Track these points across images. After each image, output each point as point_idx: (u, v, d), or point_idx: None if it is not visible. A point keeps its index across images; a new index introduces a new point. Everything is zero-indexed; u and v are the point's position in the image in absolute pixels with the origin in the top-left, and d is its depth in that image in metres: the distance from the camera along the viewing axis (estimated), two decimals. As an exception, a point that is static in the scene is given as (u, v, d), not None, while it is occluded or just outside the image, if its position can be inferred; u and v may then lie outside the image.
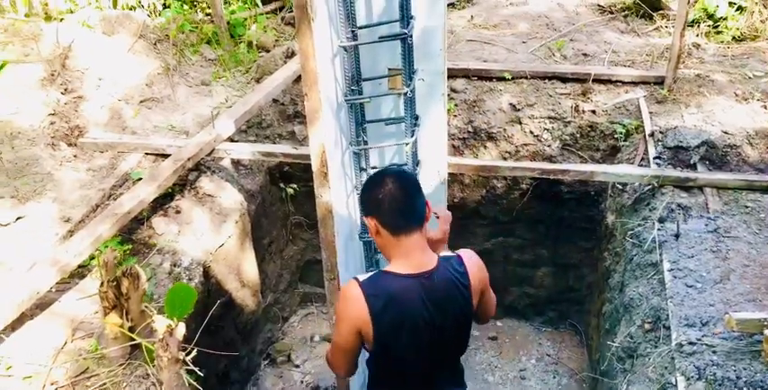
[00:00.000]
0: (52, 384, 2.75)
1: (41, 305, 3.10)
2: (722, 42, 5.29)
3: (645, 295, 3.28)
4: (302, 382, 4.90)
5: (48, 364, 2.82)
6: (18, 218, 3.49)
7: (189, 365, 2.61)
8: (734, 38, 5.31)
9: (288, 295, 5.47)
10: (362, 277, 2.28)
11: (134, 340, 2.81)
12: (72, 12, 5.13)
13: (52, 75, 4.23)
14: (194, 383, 2.73)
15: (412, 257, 2.24)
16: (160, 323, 2.54)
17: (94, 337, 2.96)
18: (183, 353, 2.58)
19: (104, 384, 2.75)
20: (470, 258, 2.35)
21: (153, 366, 2.75)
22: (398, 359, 2.38)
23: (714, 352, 2.72)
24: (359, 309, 2.22)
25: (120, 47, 4.83)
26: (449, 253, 2.37)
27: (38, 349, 2.89)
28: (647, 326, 3.09)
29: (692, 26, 5.38)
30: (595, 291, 4.71)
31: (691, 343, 2.79)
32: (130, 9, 5.56)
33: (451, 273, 2.27)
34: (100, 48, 4.68)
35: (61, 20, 4.80)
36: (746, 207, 3.60)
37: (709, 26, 5.44)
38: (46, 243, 3.42)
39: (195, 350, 2.68)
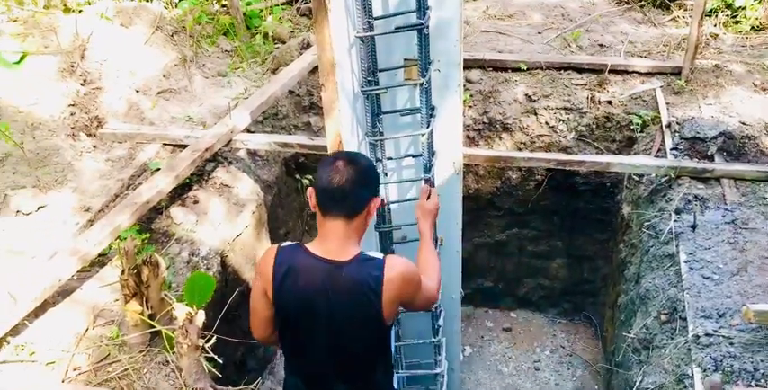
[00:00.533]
0: (74, 369, 2.80)
1: (63, 293, 3.16)
2: (740, 32, 5.23)
3: (661, 286, 3.28)
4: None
5: (70, 350, 2.87)
6: (40, 207, 3.55)
7: (208, 352, 2.65)
8: (753, 27, 5.26)
9: (303, 285, 5.50)
10: (285, 243, 2.33)
11: (154, 327, 2.86)
12: (90, 3, 5.17)
13: (71, 66, 4.28)
14: (213, 370, 2.78)
15: (328, 241, 2.24)
16: (180, 310, 2.58)
17: (115, 324, 3.01)
18: (203, 340, 2.63)
19: (125, 370, 2.80)
20: (394, 266, 2.23)
21: (173, 352, 2.79)
22: (297, 342, 2.39)
23: (731, 344, 2.72)
24: (265, 268, 2.27)
25: (137, 38, 4.87)
26: (375, 254, 2.29)
27: (60, 335, 2.94)
28: (663, 317, 3.09)
29: (709, 16, 5.33)
30: (610, 283, 4.71)
31: (707, 335, 2.79)
32: (148, 1, 5.59)
33: (365, 275, 2.21)
34: (118, 39, 4.71)
35: (80, 12, 4.84)
36: (764, 198, 3.58)
37: (727, 16, 5.39)
38: (67, 232, 3.47)
39: (214, 338, 2.72)
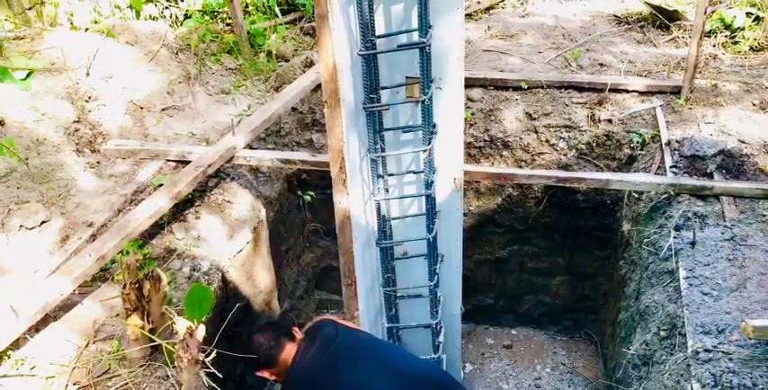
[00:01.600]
0: (75, 384, 2.81)
1: (65, 308, 3.17)
2: (739, 52, 5.29)
3: (661, 302, 3.29)
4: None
5: (70, 364, 2.88)
6: (43, 222, 3.57)
7: (208, 366, 2.65)
8: (751, 48, 5.31)
9: (304, 301, 5.51)
10: None
11: (155, 341, 2.86)
12: (96, 22, 5.25)
13: (77, 83, 4.33)
14: (213, 384, 2.77)
15: None
16: (181, 324, 2.59)
17: (116, 338, 3.02)
18: (203, 355, 2.63)
19: (126, 384, 2.80)
20: None
21: (173, 367, 2.80)
22: None
23: (730, 360, 2.72)
24: None
25: (142, 56, 4.93)
26: None
27: (61, 349, 2.95)
28: (662, 333, 3.09)
29: (708, 36, 5.39)
30: (611, 300, 4.71)
31: (707, 351, 2.79)
32: (153, 19, 5.67)
33: None
34: (123, 57, 4.77)
35: (86, 30, 4.91)
36: (763, 215, 3.60)
37: (726, 36, 5.45)
38: (70, 247, 3.49)
39: (214, 352, 2.72)
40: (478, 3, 6.45)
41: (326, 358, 2.83)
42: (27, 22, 4.82)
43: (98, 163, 4.15)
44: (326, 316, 3.23)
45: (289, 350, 2.94)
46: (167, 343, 2.84)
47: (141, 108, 4.62)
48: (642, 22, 5.98)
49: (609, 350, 4.57)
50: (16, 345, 2.91)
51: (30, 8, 4.89)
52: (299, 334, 3.04)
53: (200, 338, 2.59)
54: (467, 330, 5.46)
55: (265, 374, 2.96)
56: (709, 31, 5.43)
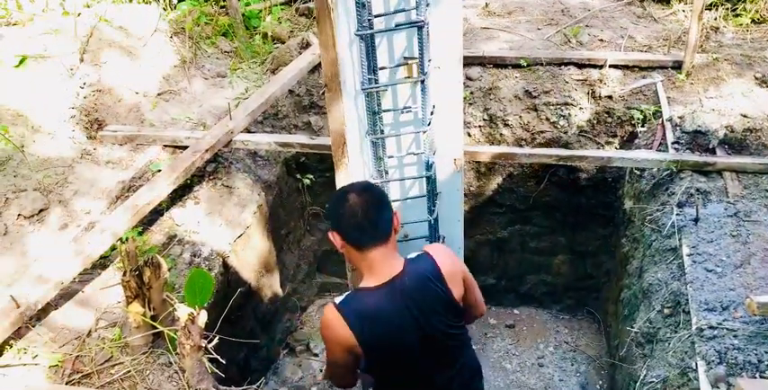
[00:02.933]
0: (77, 372, 2.80)
1: (66, 296, 3.16)
2: (741, 25, 5.22)
3: (664, 280, 3.27)
4: (321, 370, 4.94)
5: (73, 353, 2.87)
6: (41, 210, 3.55)
7: (211, 352, 2.65)
8: (753, 20, 5.24)
9: (306, 285, 5.51)
10: (338, 299, 2.34)
11: (156, 328, 2.85)
12: (89, 6, 5.17)
13: (71, 69, 4.28)
14: (216, 370, 2.77)
15: (379, 269, 2.30)
16: (182, 311, 2.57)
17: (118, 326, 3.01)
18: (205, 341, 2.62)
19: (128, 371, 2.80)
20: (437, 251, 2.41)
21: (175, 354, 2.79)
22: (394, 366, 2.43)
23: (735, 336, 2.71)
24: (341, 332, 2.28)
25: (136, 40, 4.87)
26: (416, 253, 2.44)
27: (63, 338, 2.94)
28: (666, 311, 3.08)
29: (709, 9, 5.31)
30: (613, 278, 4.70)
31: (711, 328, 2.78)
32: (146, 3, 5.59)
33: (422, 270, 2.33)
34: (117, 41, 4.71)
35: (78, 15, 4.84)
36: (766, 190, 3.57)
37: (726, 9, 5.37)
38: (68, 235, 3.47)
39: (217, 338, 2.72)
40: (476, -20, 6.36)
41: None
42: (19, 7, 4.75)
43: (95, 149, 4.12)
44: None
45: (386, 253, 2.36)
46: (169, 330, 2.83)
47: (137, 93, 4.57)
48: (642, -4, 5.91)
49: (612, 329, 4.58)
50: (18, 334, 2.90)
51: (21, -7, 4.82)
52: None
53: (201, 324, 2.59)
54: (470, 310, 5.46)
55: (337, 239, 2.35)
56: (710, 4, 5.35)
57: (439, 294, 2.33)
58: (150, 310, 2.83)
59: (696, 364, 2.67)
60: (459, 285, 2.40)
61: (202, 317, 2.59)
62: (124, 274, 2.76)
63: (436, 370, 2.49)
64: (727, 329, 2.74)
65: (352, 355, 2.34)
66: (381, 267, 2.30)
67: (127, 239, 3.33)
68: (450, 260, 2.41)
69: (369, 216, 2.26)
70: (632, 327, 3.39)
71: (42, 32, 4.39)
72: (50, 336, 2.95)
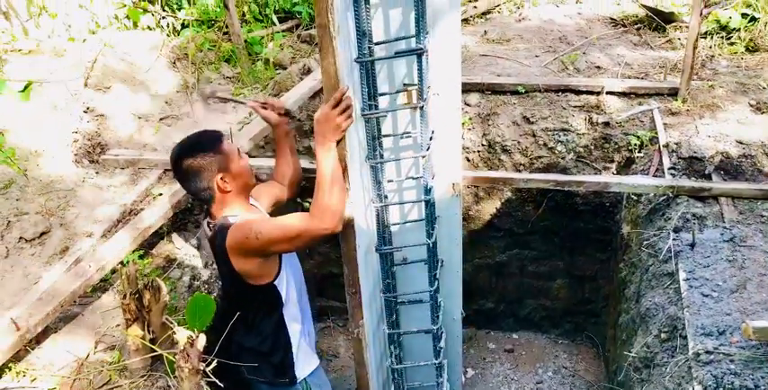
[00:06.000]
0: (76, 395, 2.80)
1: (65, 319, 3.17)
2: (735, 53, 5.30)
3: (661, 304, 3.29)
4: (320, 395, 4.92)
5: (71, 376, 2.88)
6: (42, 233, 3.57)
7: (209, 376, 2.65)
8: (747, 48, 5.33)
9: (305, 308, 5.50)
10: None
11: (155, 351, 2.86)
12: (94, 32, 5.27)
13: (75, 94, 4.34)
14: (215, 393, 2.77)
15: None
16: (181, 334, 2.59)
17: (117, 349, 3.02)
18: (204, 364, 2.63)
19: (127, 394, 2.80)
20: (233, 228, 2.81)
21: (174, 377, 2.79)
22: None
23: (731, 361, 2.72)
24: None
25: (140, 66, 4.94)
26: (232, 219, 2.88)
27: (62, 361, 2.95)
28: (663, 336, 3.09)
29: (704, 38, 5.40)
30: (611, 302, 4.71)
31: (708, 352, 2.79)
32: (150, 29, 5.69)
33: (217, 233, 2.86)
34: (120, 67, 4.79)
35: (83, 41, 4.92)
36: (762, 216, 3.60)
37: (722, 37, 5.47)
38: (69, 258, 3.49)
39: (215, 362, 2.72)
40: (475, 8, 6.47)
41: None
42: (26, 33, 4.84)
43: (97, 173, 4.16)
44: None
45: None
46: (168, 353, 2.84)
47: (139, 118, 4.63)
48: (638, 25, 6.00)
49: (610, 353, 4.57)
50: (17, 357, 2.91)
51: (28, 20, 4.91)
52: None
53: (200, 347, 2.59)
54: (468, 335, 5.46)
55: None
56: (705, 33, 5.45)
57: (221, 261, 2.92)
58: (150, 333, 2.84)
59: (693, 389, 2.67)
60: (243, 259, 2.84)
61: (201, 341, 2.60)
62: (124, 297, 2.78)
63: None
64: (724, 354, 2.75)
65: None
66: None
67: (127, 262, 3.36)
68: (236, 237, 2.80)
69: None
70: (630, 352, 3.40)
71: (48, 58, 4.46)
72: (49, 359, 2.95)
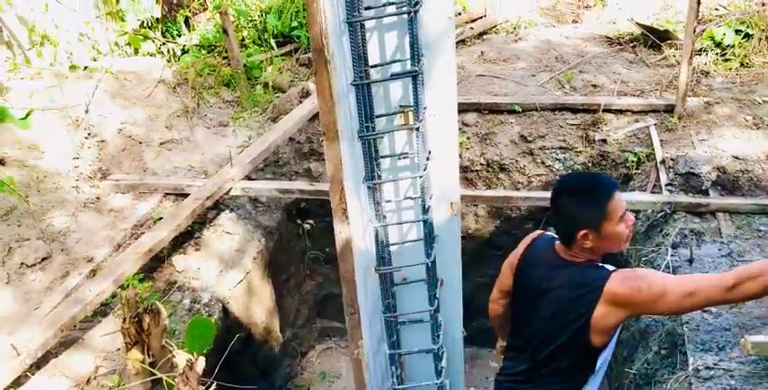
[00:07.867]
0: (77, 420, 2.80)
1: (66, 343, 3.18)
2: (730, 69, 5.34)
3: (660, 321, 3.28)
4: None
5: (72, 400, 2.88)
6: (44, 259, 3.60)
7: (209, 398, 2.65)
8: (741, 64, 5.37)
9: (306, 330, 5.50)
10: (546, 234, 2.84)
11: (155, 375, 2.86)
12: (95, 60, 5.34)
13: (76, 120, 4.39)
14: (215, 416, 2.77)
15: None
16: (180, 357, 2.59)
17: (117, 373, 3.02)
18: (203, 387, 2.63)
19: (127, 419, 2.80)
20: (615, 275, 2.37)
21: (174, 400, 2.79)
22: (515, 320, 3.07)
23: (731, 376, 2.71)
24: (519, 248, 2.87)
25: (140, 92, 5.00)
26: (608, 266, 2.52)
27: (63, 385, 2.95)
28: (663, 352, 3.08)
29: (699, 54, 5.45)
30: (615, 320, 4.68)
31: (708, 368, 2.78)
32: (151, 56, 5.77)
33: (589, 275, 2.49)
34: (121, 93, 4.85)
35: (85, 68, 4.99)
36: (759, 230, 3.61)
37: (716, 54, 5.51)
38: (70, 283, 3.51)
39: (214, 385, 2.72)
40: (471, 29, 6.54)
41: None
42: (27, 62, 4.91)
43: (98, 198, 4.19)
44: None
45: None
46: (168, 376, 2.84)
47: (140, 143, 4.68)
48: (634, 43, 6.06)
49: (612, 370, 4.54)
50: (17, 382, 2.91)
51: (30, 49, 4.99)
52: None
53: (199, 370, 2.60)
54: (470, 354, 5.42)
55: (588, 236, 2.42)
56: (700, 50, 5.49)
57: (578, 305, 2.43)
58: (149, 357, 2.84)
59: (694, 405, 2.66)
60: (611, 314, 2.33)
61: (200, 364, 2.60)
62: (124, 321, 2.78)
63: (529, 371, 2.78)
64: (724, 369, 2.74)
65: (509, 277, 2.97)
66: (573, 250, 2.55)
67: (127, 286, 3.37)
68: (621, 287, 2.31)
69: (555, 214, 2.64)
70: (631, 369, 3.38)
71: (49, 85, 4.52)
72: (50, 383, 2.96)
